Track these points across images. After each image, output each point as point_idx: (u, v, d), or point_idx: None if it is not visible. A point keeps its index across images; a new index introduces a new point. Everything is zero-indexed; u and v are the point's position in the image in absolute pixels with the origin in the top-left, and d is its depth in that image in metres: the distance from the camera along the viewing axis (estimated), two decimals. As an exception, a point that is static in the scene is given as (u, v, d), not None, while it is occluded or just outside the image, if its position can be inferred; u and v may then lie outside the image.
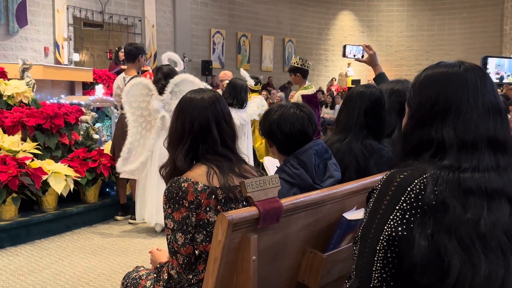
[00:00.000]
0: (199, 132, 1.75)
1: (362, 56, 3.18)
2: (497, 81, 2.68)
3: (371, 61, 3.09)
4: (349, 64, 18.36)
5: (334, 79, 18.16)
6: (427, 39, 18.61)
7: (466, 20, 17.96)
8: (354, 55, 3.18)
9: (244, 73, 5.67)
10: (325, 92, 15.69)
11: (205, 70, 14.21)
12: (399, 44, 19.08)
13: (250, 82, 5.60)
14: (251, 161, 4.89)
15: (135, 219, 4.75)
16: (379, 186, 1.12)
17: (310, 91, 5.31)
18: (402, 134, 1.20)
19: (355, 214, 1.81)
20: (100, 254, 3.97)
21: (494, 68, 2.67)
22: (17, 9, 9.83)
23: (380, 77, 3.06)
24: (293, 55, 17.91)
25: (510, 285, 1.00)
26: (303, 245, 1.77)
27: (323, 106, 12.25)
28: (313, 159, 1.95)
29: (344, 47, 3.18)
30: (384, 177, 1.13)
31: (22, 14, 9.96)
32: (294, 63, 5.37)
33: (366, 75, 17.21)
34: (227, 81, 5.72)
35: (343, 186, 1.88)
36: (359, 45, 3.20)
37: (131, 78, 4.59)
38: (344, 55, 3.20)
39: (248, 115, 4.73)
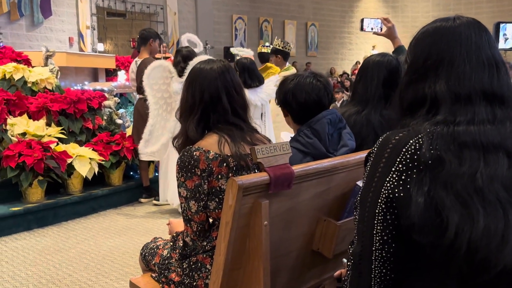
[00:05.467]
0: (209, 102, 1.75)
1: (381, 29, 3.13)
2: None
3: (390, 34, 3.04)
4: (373, 46, 18.08)
5: (358, 63, 17.93)
6: (453, 19, 18.13)
7: (494, -2, 17.46)
8: (372, 29, 3.12)
9: (235, 50, 5.68)
10: (350, 75, 15.52)
11: (228, 56, 14.21)
12: (425, 24, 18.67)
13: (247, 52, 5.57)
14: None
15: (159, 200, 4.83)
16: (375, 149, 1.11)
17: (291, 72, 5.32)
18: (397, 91, 1.18)
19: (370, 182, 1.79)
20: (124, 234, 4.05)
21: None
22: (41, 0, 9.99)
23: (399, 50, 3.01)
24: (316, 39, 17.77)
25: (510, 239, 0.96)
26: (316, 213, 1.77)
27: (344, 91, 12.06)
28: (326, 128, 1.93)
29: (362, 20, 3.13)
30: (380, 139, 1.11)
31: (46, 5, 10.13)
32: (276, 45, 5.61)
33: (391, 57, 16.89)
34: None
35: (356, 155, 1.87)
36: (377, 18, 3.14)
37: (141, 61, 4.70)
38: (362, 28, 3.15)
39: (267, 95, 4.70)
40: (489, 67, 1.08)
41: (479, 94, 1.06)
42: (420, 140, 1.04)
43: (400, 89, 1.17)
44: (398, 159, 1.04)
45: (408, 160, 1.03)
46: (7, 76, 5.13)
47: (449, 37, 1.11)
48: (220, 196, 1.68)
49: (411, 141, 1.04)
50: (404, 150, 1.04)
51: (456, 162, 1.00)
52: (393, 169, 1.04)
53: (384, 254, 1.07)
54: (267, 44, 6.31)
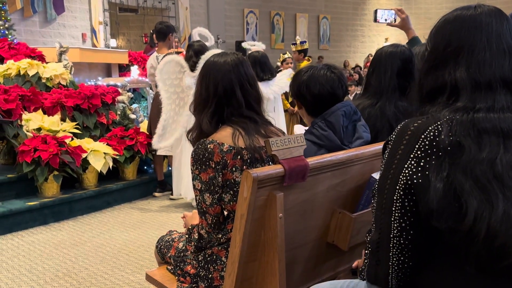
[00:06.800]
0: (223, 95, 1.75)
1: (395, 21, 3.10)
2: None
3: (404, 25, 3.01)
4: (386, 39, 17.94)
5: (370, 55, 17.80)
6: (467, 10, 17.88)
7: (509, -12, 17.18)
8: (386, 20, 3.09)
9: (246, 44, 5.67)
10: (362, 68, 15.41)
11: (239, 50, 14.19)
12: (438, 16, 18.22)
13: (259, 46, 5.55)
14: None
15: (173, 195, 4.86)
16: (393, 136, 1.11)
17: None
18: (417, 79, 1.18)
19: (385, 174, 1.78)
20: (139, 228, 4.08)
21: None
22: (54, -4, 10.06)
23: (413, 41, 2.98)
24: (328, 32, 17.66)
25: None
26: (331, 205, 1.76)
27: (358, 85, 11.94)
28: (341, 120, 1.93)
29: (375, 11, 3.10)
30: (399, 127, 1.11)
31: (59, 1, 10.18)
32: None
33: (404, 49, 16.73)
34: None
35: (371, 147, 1.86)
36: (391, 9, 3.11)
37: (163, 56, 4.64)
38: (375, 20, 3.12)
39: (279, 88, 4.67)
40: (509, 54, 1.08)
41: (499, 81, 1.06)
42: (439, 126, 1.04)
43: (419, 77, 1.17)
44: (417, 146, 1.04)
45: (427, 147, 1.03)
46: (22, 72, 5.17)
47: (469, 25, 1.11)
48: (235, 189, 1.68)
49: (430, 128, 1.04)
50: (423, 136, 1.04)
51: (475, 148, 1.00)
52: (412, 155, 1.04)
53: (402, 241, 1.07)
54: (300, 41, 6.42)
